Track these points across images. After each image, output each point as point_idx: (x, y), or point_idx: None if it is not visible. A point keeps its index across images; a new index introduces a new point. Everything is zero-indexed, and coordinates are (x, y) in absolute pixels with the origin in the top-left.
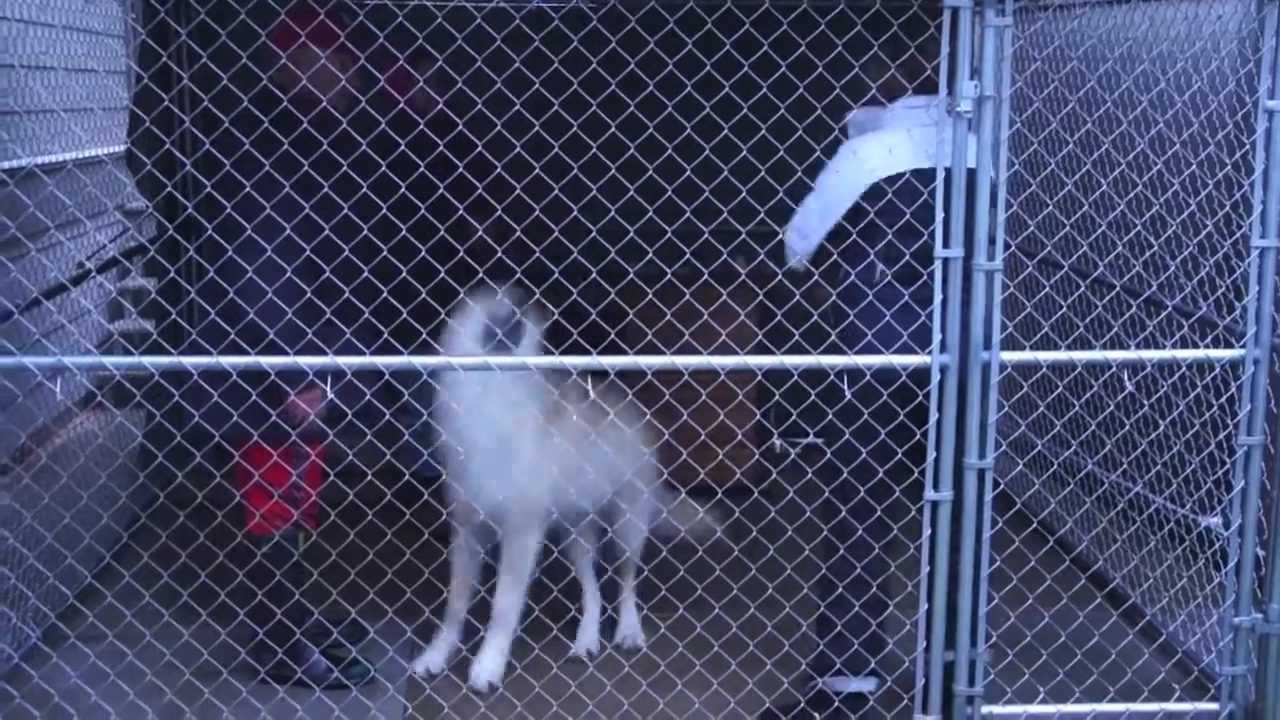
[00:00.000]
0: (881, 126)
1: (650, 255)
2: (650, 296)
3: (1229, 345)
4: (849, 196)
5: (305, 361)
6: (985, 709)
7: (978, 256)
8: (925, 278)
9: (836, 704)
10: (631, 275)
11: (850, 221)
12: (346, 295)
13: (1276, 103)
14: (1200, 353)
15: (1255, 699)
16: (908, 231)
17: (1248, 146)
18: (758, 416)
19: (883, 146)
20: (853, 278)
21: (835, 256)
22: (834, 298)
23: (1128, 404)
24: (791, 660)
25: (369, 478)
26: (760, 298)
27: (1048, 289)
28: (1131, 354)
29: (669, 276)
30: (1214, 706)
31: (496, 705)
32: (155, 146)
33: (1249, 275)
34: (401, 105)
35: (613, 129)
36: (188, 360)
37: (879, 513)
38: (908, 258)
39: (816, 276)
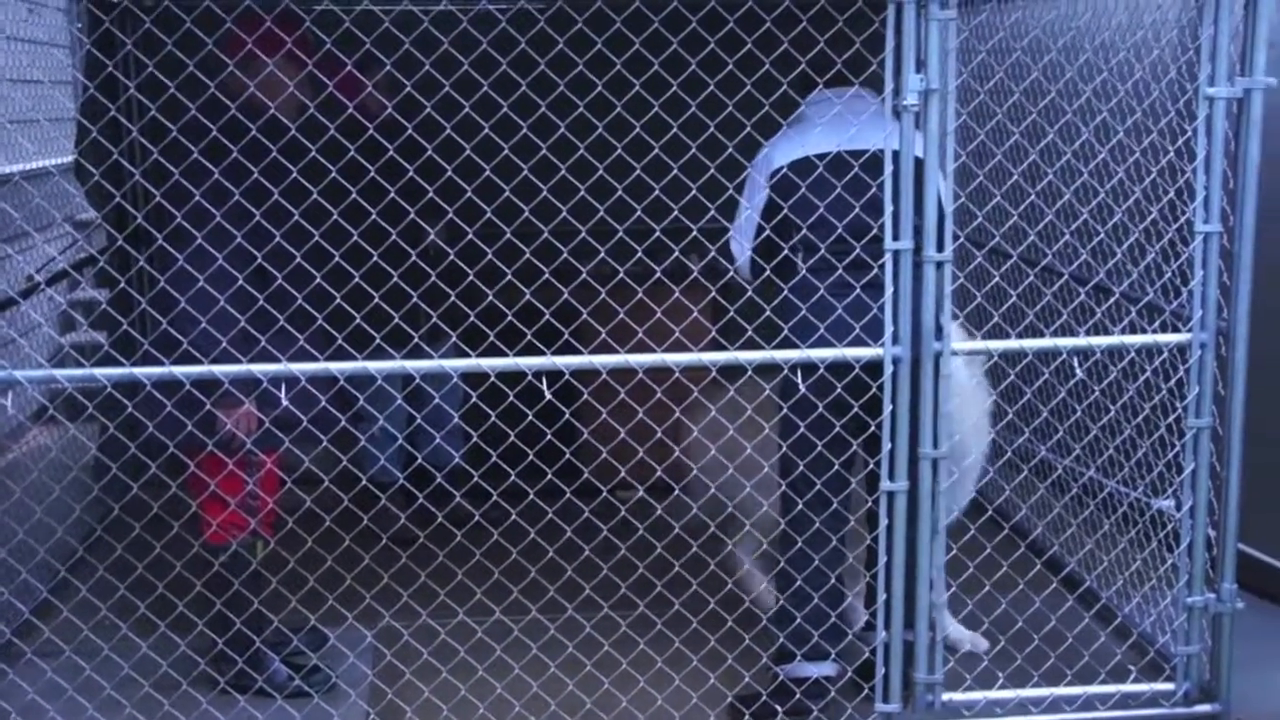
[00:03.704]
0: (802, 120)
1: (602, 255)
2: (603, 296)
3: (1176, 330)
4: (761, 188)
5: (259, 369)
6: (945, 696)
7: (926, 248)
8: (873, 269)
9: (798, 693)
10: (584, 275)
11: (775, 214)
12: (299, 302)
13: (1217, 89)
14: (1148, 338)
15: (1209, 677)
16: (834, 214)
17: (1190, 133)
18: (713, 411)
19: (786, 138)
20: (802, 272)
21: (785, 250)
22: (786, 291)
23: (1079, 390)
24: (753, 653)
25: (326, 484)
26: (713, 294)
27: (997, 279)
28: (1081, 340)
29: (621, 275)
30: (1169, 686)
31: (460, 707)
32: (103, 157)
33: (1194, 260)
34: (351, 111)
35: (562, 129)
36: (139, 371)
37: (834, 504)
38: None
39: (769, 271)
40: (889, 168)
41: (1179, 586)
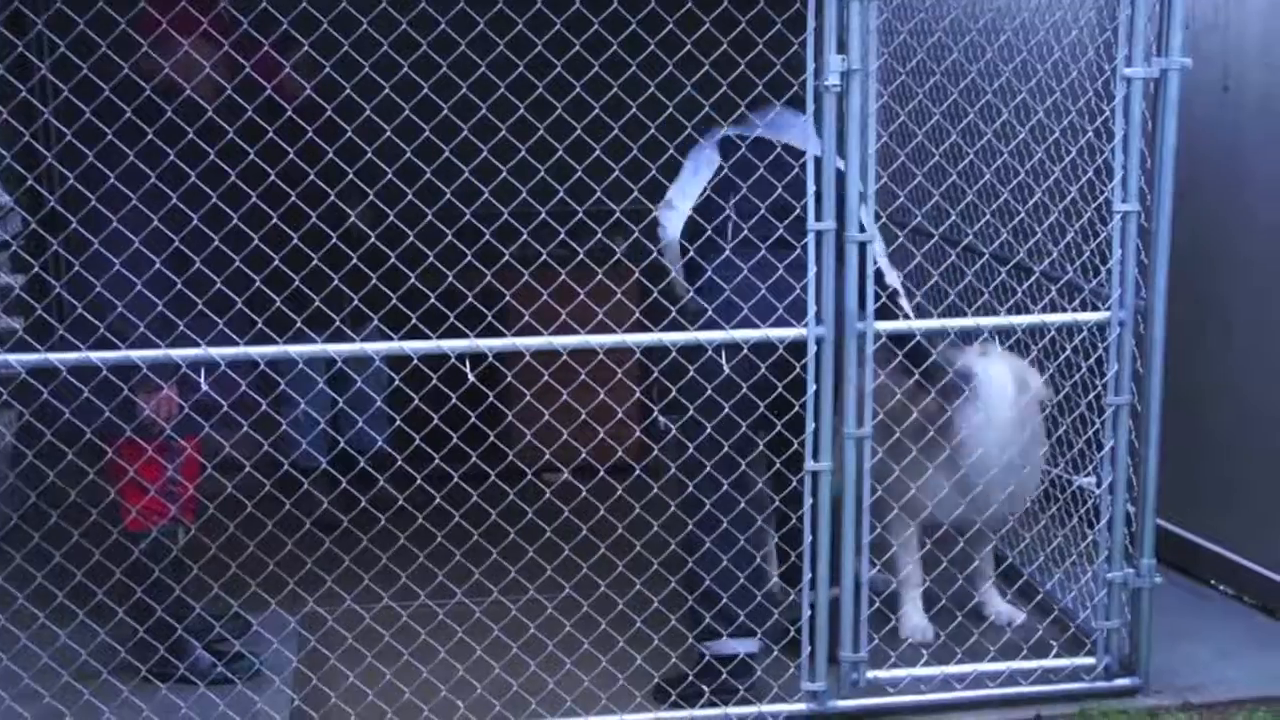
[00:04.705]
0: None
1: (525, 237)
2: (526, 278)
3: (1095, 308)
4: (710, 159)
5: (179, 354)
6: (870, 673)
7: (849, 228)
8: (797, 249)
9: (724, 672)
10: (507, 257)
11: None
12: (218, 285)
13: (1134, 70)
14: (1068, 316)
15: (1129, 651)
16: (760, 194)
17: (1108, 113)
18: (637, 394)
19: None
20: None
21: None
22: (709, 272)
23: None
24: (679, 634)
25: (247, 469)
26: (637, 275)
27: (919, 258)
28: (1002, 319)
29: (544, 257)
30: (1090, 660)
31: (385, 692)
32: (15, 139)
33: (1113, 239)
34: (269, 92)
35: (483, 111)
36: (55, 356)
37: (759, 484)
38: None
39: (692, 252)
40: (812, 153)
41: (1099, 562)
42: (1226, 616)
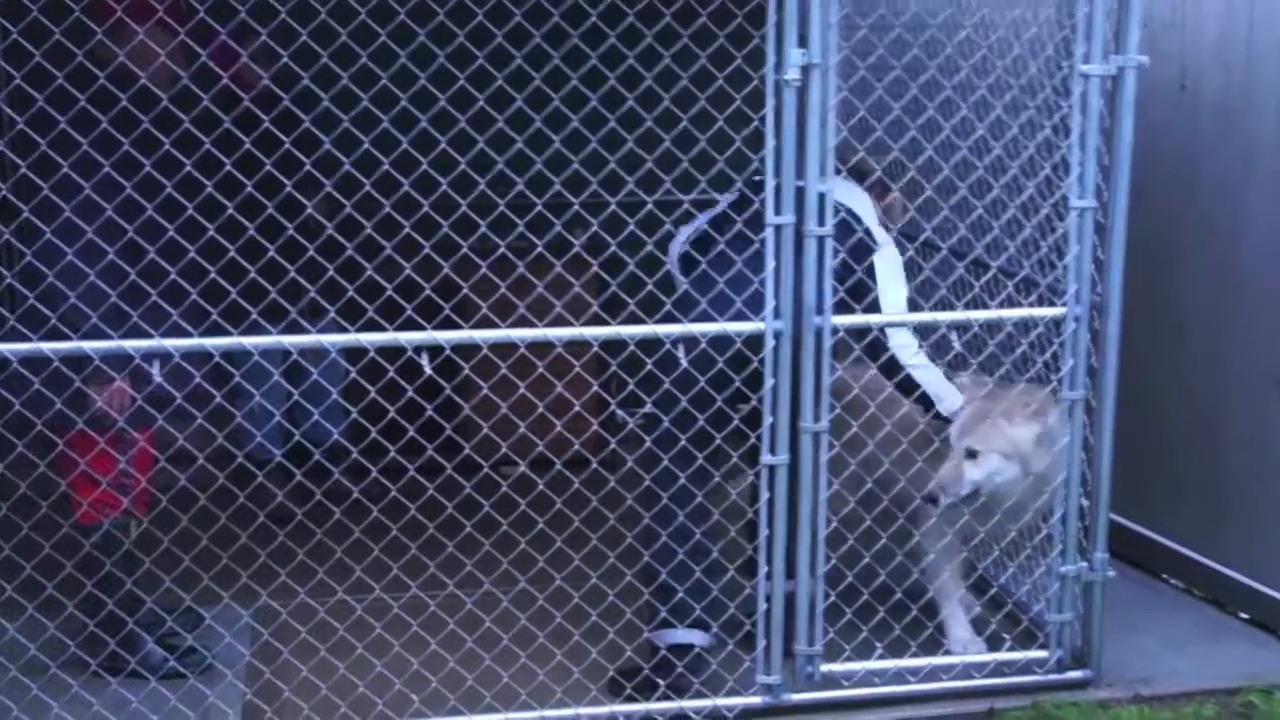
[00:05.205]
0: None
1: (483, 229)
2: (484, 270)
3: (1051, 304)
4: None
5: (132, 345)
6: (825, 667)
7: (808, 222)
8: (756, 243)
9: (679, 666)
10: (465, 249)
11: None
12: (173, 276)
13: (1092, 67)
14: (1024, 311)
15: (1081, 644)
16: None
17: (1065, 110)
18: (595, 387)
19: None
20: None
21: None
22: (669, 266)
23: (957, 364)
24: (634, 628)
25: (201, 461)
26: (595, 268)
27: (852, 243)
28: (959, 315)
29: (502, 249)
30: (1043, 653)
31: (339, 686)
32: None
33: (1069, 235)
34: (225, 81)
35: (442, 102)
36: (6, 347)
37: (716, 477)
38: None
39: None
40: (770, 142)
41: (1053, 556)
42: (1177, 610)
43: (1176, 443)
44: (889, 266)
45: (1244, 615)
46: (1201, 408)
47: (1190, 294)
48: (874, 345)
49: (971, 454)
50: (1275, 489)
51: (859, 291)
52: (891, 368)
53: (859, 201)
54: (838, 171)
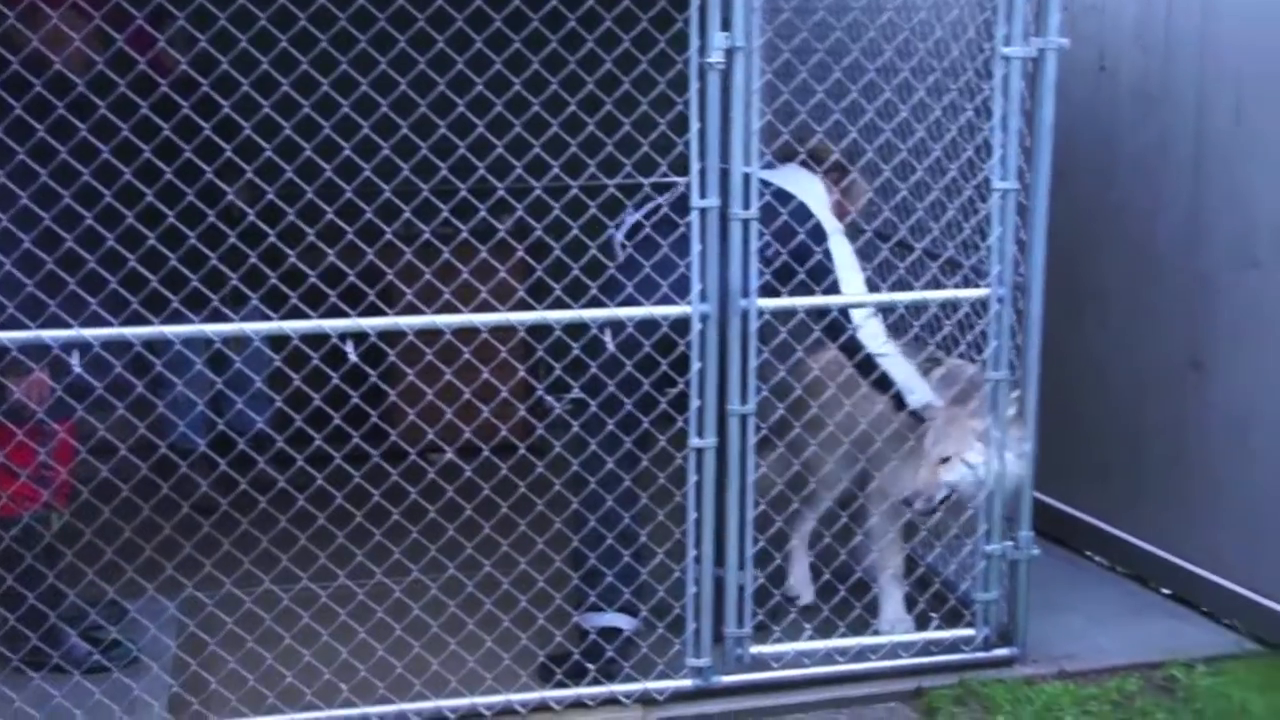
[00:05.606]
0: None
1: (407, 214)
2: (409, 256)
3: (975, 285)
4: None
5: (49, 335)
6: (755, 648)
7: (733, 205)
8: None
9: (609, 650)
10: (389, 235)
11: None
12: (91, 265)
13: (1013, 49)
14: (949, 293)
15: (1007, 621)
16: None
17: (987, 92)
18: (521, 372)
19: None
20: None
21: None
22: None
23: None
24: (564, 613)
25: (123, 452)
26: (520, 253)
27: (802, 235)
28: (884, 296)
29: (427, 235)
30: (970, 632)
31: (266, 677)
32: None
33: (992, 217)
34: (143, 66)
35: (364, 86)
36: None
37: (644, 461)
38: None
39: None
40: (695, 125)
41: (978, 535)
42: (1101, 586)
43: (1098, 422)
44: (843, 253)
45: (1165, 590)
46: (1122, 388)
47: (1111, 276)
48: (834, 329)
49: (945, 460)
50: (1193, 467)
51: (816, 276)
52: (854, 352)
53: (808, 189)
54: (789, 158)
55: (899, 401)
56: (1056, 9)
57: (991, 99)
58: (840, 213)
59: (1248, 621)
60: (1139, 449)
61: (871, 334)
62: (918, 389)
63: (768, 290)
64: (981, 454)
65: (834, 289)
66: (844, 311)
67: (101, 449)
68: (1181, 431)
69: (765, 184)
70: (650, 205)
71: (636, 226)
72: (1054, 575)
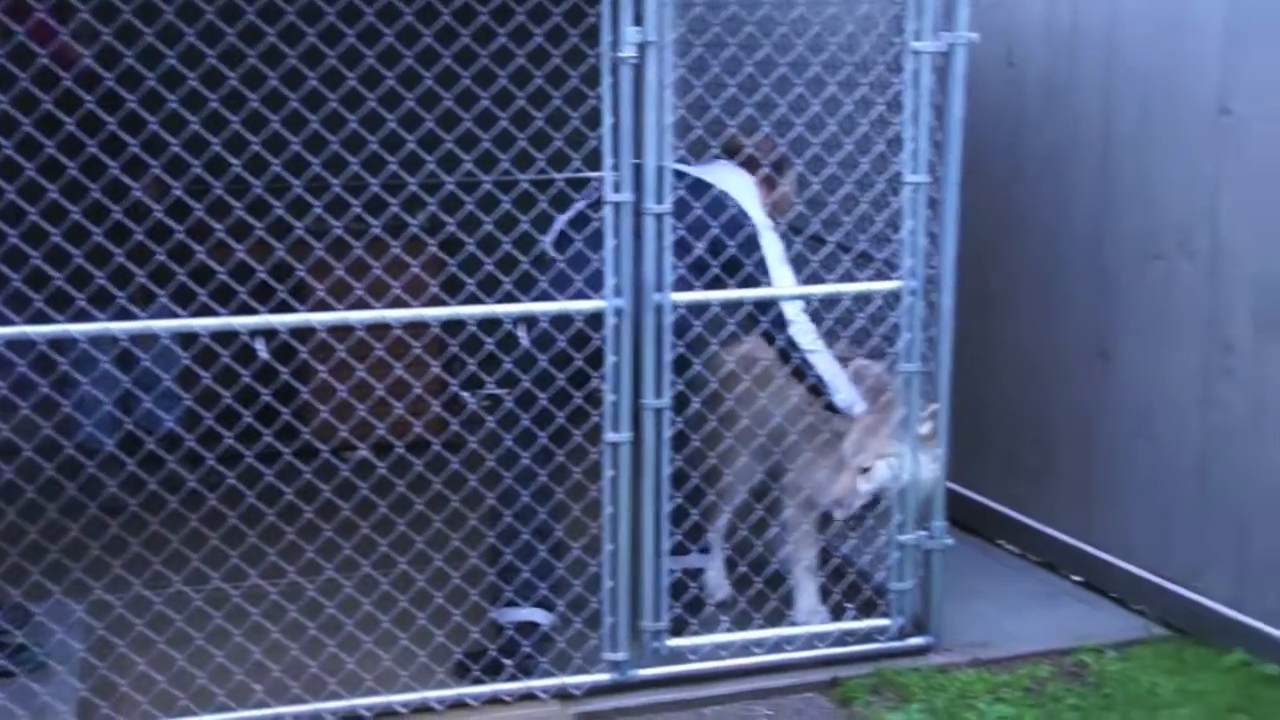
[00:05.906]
0: None
1: (318, 210)
2: (319, 252)
3: (887, 278)
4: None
5: None
6: (671, 641)
7: (646, 200)
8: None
9: (525, 645)
10: (299, 231)
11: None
12: None
13: (923, 44)
14: (861, 286)
15: (922, 610)
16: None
17: (898, 86)
18: (435, 368)
19: None
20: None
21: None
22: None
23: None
24: (479, 610)
25: (27, 453)
26: (433, 249)
27: (715, 229)
28: (798, 289)
29: (338, 231)
30: (885, 621)
31: (178, 678)
32: None
33: (903, 210)
34: (44, 60)
35: (273, 81)
36: None
37: (558, 456)
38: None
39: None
40: (608, 119)
41: (892, 525)
42: (1013, 574)
43: (1009, 412)
44: (773, 249)
45: (1076, 578)
46: (1032, 378)
47: (1020, 268)
48: (776, 324)
49: (865, 470)
50: (1101, 456)
51: (734, 267)
52: (789, 348)
53: (735, 182)
54: (734, 153)
55: (816, 391)
56: (965, 3)
57: (902, 93)
58: (771, 214)
59: (1156, 607)
60: (1049, 438)
61: (804, 330)
62: (843, 389)
63: (695, 280)
64: (899, 458)
65: (754, 281)
66: (765, 306)
67: (5, 450)
68: (1089, 421)
69: (680, 175)
70: (574, 209)
71: (563, 232)
72: (967, 564)
